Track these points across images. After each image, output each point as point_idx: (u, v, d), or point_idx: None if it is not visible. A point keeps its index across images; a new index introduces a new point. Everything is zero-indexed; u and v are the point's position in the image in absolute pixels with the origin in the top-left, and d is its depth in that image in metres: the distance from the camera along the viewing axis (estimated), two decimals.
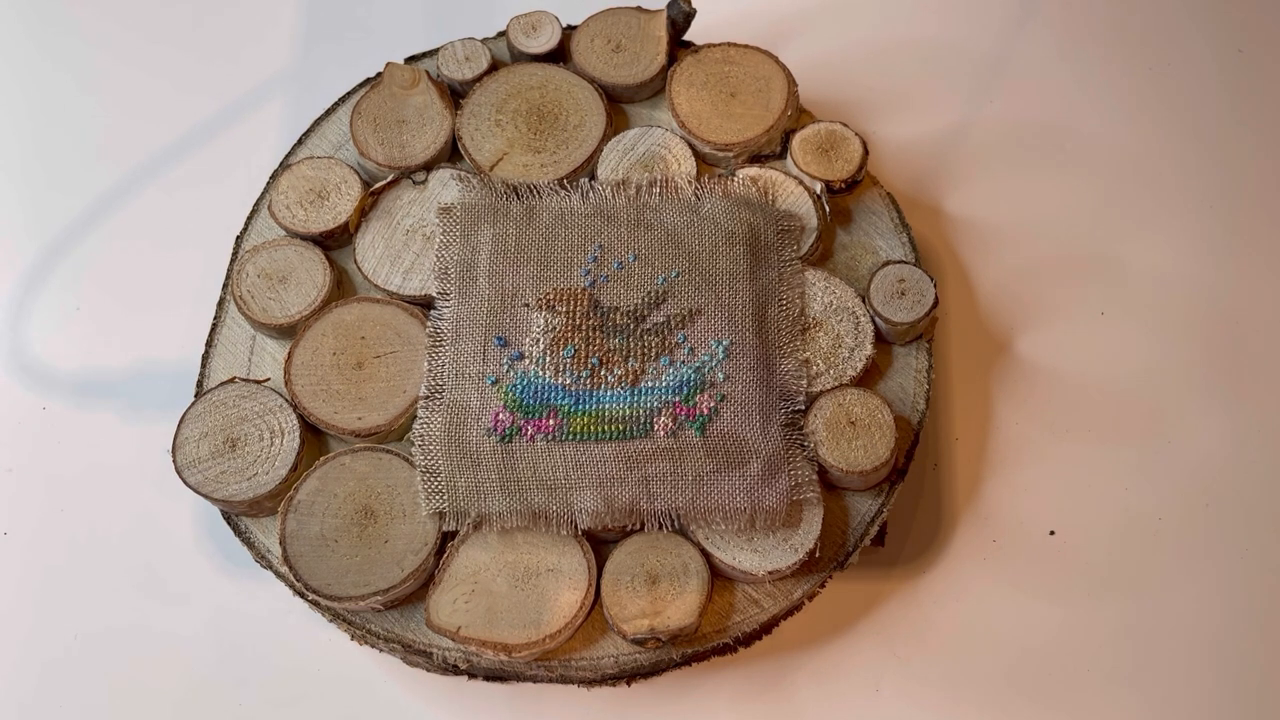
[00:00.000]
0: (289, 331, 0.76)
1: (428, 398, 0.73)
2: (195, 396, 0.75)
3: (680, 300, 0.74)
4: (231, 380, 0.74)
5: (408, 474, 0.72)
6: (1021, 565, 0.78)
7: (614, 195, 0.79)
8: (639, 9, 0.86)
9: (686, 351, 0.73)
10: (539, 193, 0.79)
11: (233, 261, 0.81)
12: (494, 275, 0.75)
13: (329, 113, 0.85)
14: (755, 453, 0.71)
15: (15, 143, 0.96)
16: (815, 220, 0.79)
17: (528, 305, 0.74)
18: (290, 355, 0.75)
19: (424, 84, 0.83)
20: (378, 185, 0.80)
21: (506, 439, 0.71)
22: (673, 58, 0.85)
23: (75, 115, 0.97)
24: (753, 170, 0.81)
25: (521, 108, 0.83)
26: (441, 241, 0.77)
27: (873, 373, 0.76)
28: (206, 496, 0.71)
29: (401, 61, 0.85)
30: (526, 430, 0.71)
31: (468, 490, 0.70)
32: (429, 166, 0.81)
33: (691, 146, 0.82)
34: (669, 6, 0.85)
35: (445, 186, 0.80)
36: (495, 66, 0.85)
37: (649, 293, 0.75)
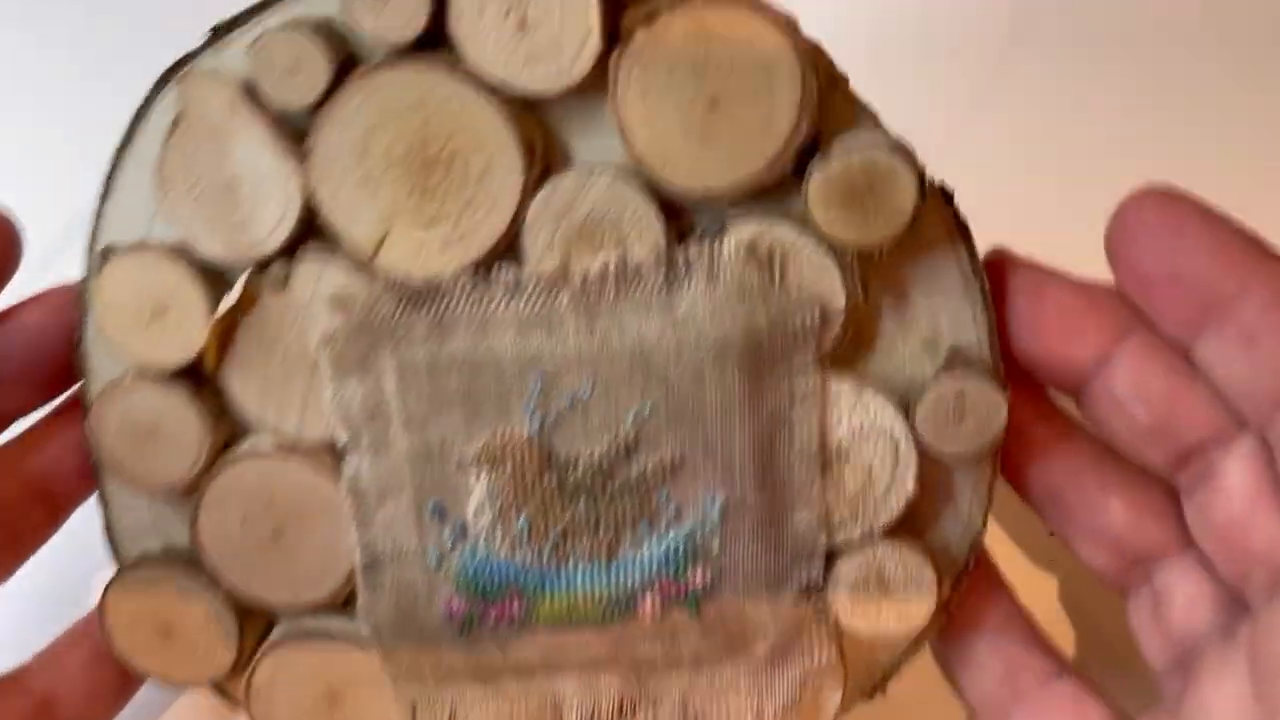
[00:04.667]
0: (185, 494, 0.60)
1: (368, 569, 0.59)
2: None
3: (656, 446, 0.56)
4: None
5: (366, 660, 0.62)
6: (1021, 565, 0.79)
7: (551, 293, 0.55)
8: None
9: (672, 513, 0.57)
10: (445, 293, 0.55)
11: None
12: (410, 421, 0.57)
13: (112, 176, 0.56)
14: (762, 632, 0.59)
15: (16, 143, 0.96)
16: (842, 298, 0.54)
17: (460, 465, 0.57)
18: (194, 523, 0.60)
19: (236, 104, 0.53)
20: (222, 310, 0.56)
21: (466, 629, 0.59)
22: (614, 37, 0.51)
23: (76, 116, 0.97)
24: (749, 231, 0.54)
25: (396, 148, 0.53)
26: (333, 378, 0.57)
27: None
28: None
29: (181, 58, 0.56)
30: (489, 616, 0.59)
31: (434, 674, 0.61)
32: (291, 252, 0.55)
33: (656, 192, 0.54)
34: None
35: (320, 282, 0.56)
36: (343, 68, 0.53)
37: (615, 436, 0.56)
